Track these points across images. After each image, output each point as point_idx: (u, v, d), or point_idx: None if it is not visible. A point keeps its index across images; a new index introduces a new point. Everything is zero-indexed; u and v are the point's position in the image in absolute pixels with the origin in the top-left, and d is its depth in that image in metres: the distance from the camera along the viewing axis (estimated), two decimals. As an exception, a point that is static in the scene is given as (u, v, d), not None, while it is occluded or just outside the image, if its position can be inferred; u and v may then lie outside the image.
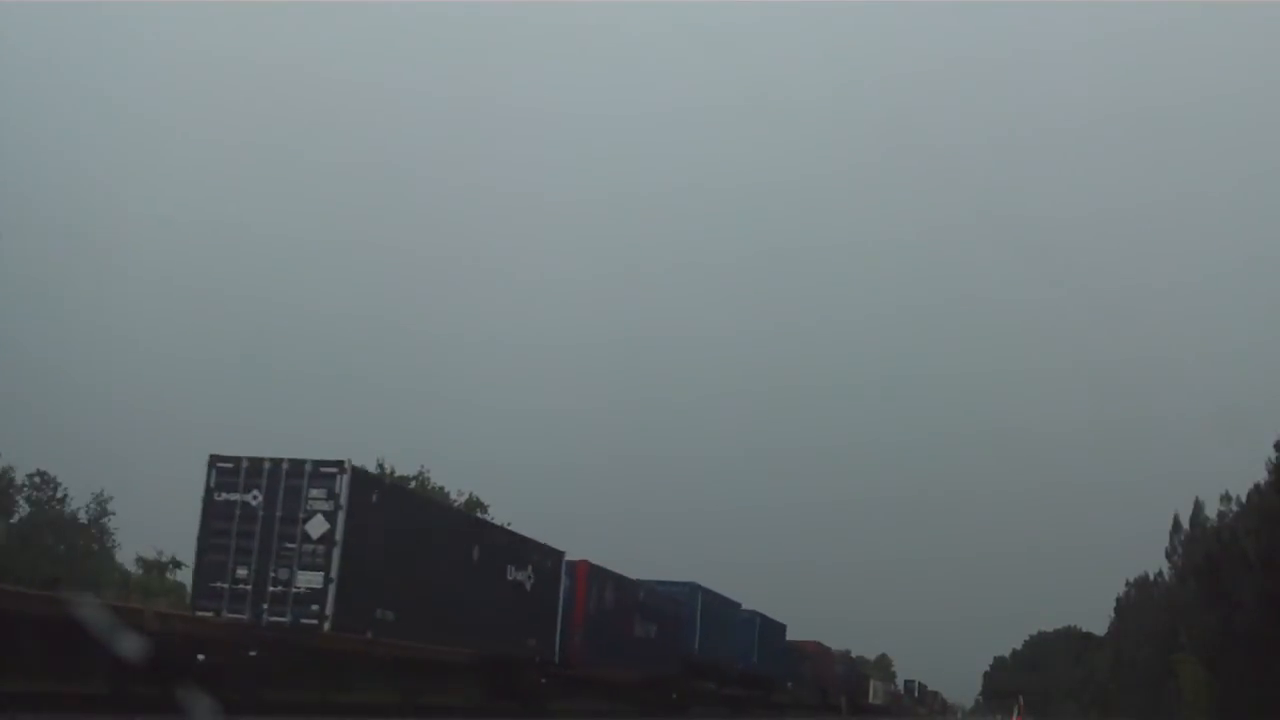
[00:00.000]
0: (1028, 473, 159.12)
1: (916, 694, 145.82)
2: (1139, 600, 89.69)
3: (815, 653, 69.95)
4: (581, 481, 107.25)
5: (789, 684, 61.01)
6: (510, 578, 25.15)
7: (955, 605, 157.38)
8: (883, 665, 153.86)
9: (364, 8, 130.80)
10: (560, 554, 29.90)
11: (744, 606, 51.22)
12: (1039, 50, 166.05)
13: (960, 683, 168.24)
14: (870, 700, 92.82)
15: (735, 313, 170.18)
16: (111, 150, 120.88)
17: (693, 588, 43.26)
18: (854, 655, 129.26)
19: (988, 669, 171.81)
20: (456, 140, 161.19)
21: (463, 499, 55.21)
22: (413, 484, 52.15)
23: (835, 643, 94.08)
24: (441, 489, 54.68)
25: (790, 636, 69.37)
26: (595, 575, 32.02)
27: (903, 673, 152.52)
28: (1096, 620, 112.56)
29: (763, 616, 54.14)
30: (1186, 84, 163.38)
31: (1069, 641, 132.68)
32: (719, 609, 46.34)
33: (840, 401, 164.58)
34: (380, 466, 50.74)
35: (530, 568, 26.24)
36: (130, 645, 6.86)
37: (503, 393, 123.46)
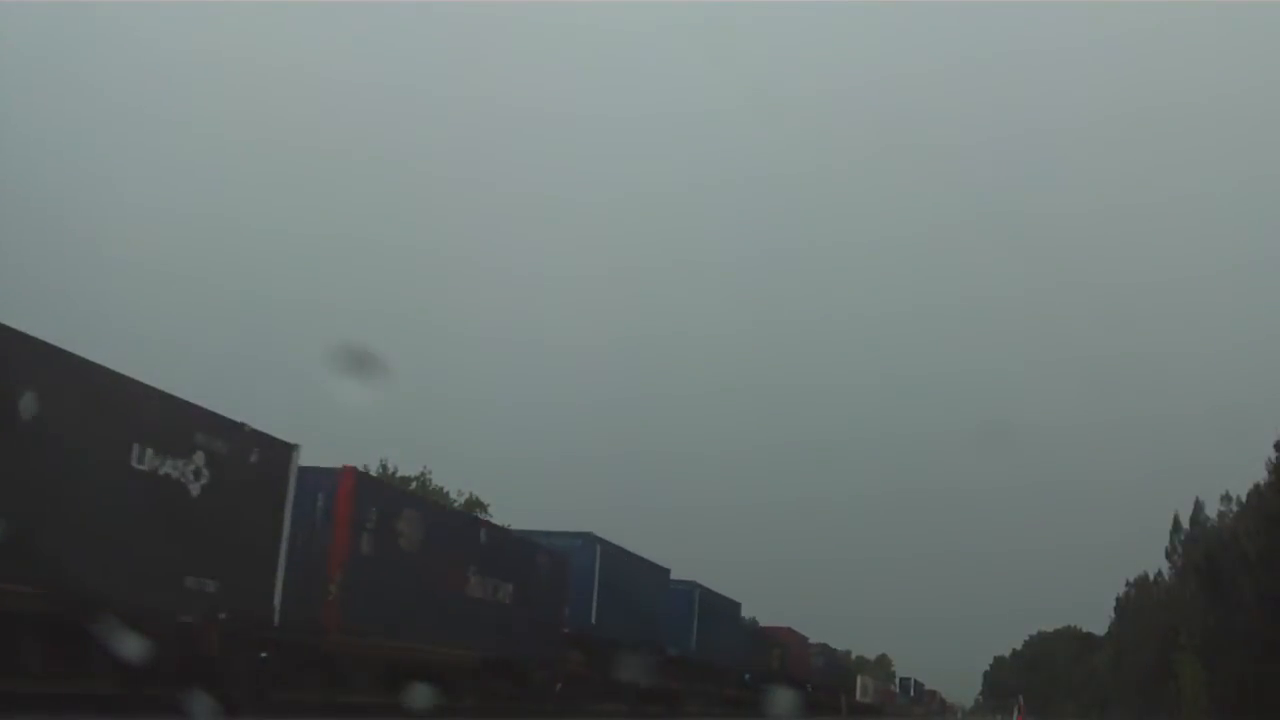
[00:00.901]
0: (1028, 471, 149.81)
1: (913, 692, 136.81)
2: (1139, 600, 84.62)
3: (786, 640, 57.74)
4: (581, 478, 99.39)
5: (746, 676, 47.73)
6: (144, 466, 14.45)
7: (955, 604, 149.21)
8: (883, 665, 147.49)
9: (367, 7, 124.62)
10: (289, 449, 17.70)
11: (676, 575, 38.74)
12: (1040, 50, 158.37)
13: (960, 682, 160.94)
14: (859, 698, 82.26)
15: (735, 310, 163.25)
16: (112, 147, 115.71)
17: (587, 539, 31.08)
18: (853, 654, 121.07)
19: (988, 668, 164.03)
20: (457, 139, 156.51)
21: (463, 499, 50.92)
22: (414, 485, 47.43)
23: (836, 642, 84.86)
24: (442, 489, 50.43)
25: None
26: (371, 494, 20.51)
27: (902, 672, 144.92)
28: (1096, 620, 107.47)
29: (704, 589, 41.51)
30: (1187, 83, 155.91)
31: (1069, 641, 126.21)
32: (632, 572, 33.89)
33: (839, 398, 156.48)
34: (384, 467, 47.18)
35: (201, 456, 15.41)
36: None
37: (503, 391, 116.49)
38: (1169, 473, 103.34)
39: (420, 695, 18.88)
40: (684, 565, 38.55)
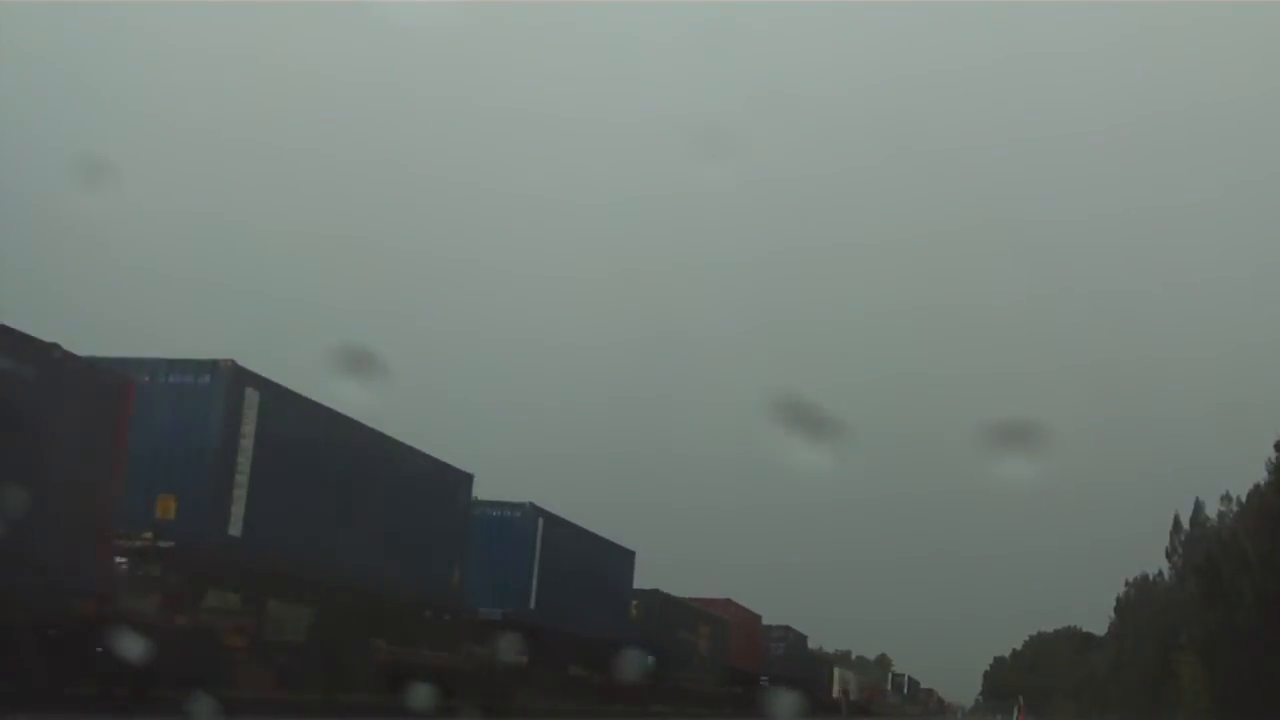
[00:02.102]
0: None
1: (907, 690, 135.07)
2: (1139, 600, 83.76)
3: (722, 616, 43.48)
4: (581, 477, 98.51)
5: (650, 659, 32.39)
6: None
7: (955, 604, 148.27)
8: (883, 664, 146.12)
9: (368, 7, 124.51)
10: None
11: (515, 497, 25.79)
12: (1044, 54, 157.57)
13: (960, 682, 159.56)
14: (836, 695, 73.63)
15: (736, 311, 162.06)
16: (112, 147, 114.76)
17: (220, 373, 16.08)
18: (853, 654, 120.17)
19: (988, 668, 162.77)
20: (457, 139, 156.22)
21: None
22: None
23: (835, 642, 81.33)
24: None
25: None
26: None
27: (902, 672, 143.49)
28: (1096, 620, 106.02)
29: (552, 516, 26.70)
30: (1188, 87, 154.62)
31: (1069, 641, 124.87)
32: (365, 458, 19.63)
33: (838, 399, 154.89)
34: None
35: None
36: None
37: (503, 390, 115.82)
38: (1169, 473, 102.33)
39: None
40: (684, 564, 36.64)
